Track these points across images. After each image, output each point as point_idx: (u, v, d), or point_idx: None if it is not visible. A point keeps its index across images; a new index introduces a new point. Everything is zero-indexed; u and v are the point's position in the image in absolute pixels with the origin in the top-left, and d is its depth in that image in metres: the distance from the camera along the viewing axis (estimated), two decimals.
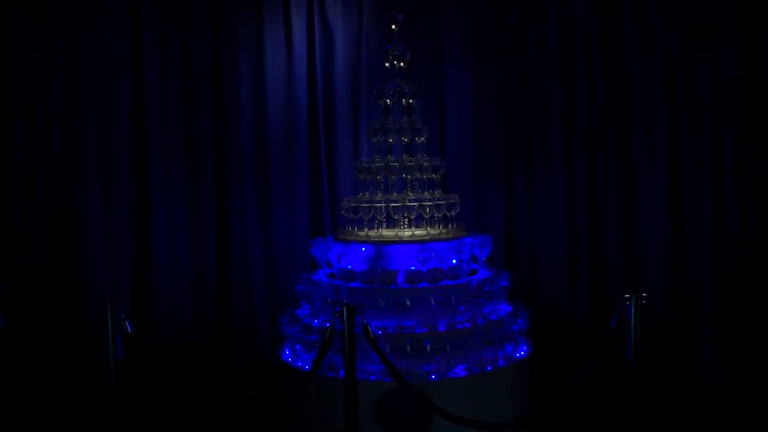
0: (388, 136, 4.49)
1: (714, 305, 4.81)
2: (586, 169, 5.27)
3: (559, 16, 5.29)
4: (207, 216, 5.28)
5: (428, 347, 3.87)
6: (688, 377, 4.85)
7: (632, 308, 3.43)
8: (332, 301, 4.03)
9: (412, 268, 4.20)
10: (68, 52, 4.92)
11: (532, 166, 5.45)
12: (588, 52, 5.23)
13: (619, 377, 3.67)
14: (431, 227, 4.40)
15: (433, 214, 4.36)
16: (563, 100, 5.32)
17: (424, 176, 4.45)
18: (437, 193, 4.52)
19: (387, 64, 4.61)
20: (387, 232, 4.38)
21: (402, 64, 4.60)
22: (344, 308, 3.43)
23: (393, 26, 4.67)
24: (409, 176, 4.45)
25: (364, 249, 4.27)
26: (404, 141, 4.54)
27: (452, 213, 4.47)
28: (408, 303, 3.97)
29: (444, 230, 4.41)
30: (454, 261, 4.31)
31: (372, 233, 4.35)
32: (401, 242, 4.24)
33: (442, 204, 4.37)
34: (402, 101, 4.59)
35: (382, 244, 4.24)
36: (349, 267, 4.34)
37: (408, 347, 3.86)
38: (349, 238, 4.39)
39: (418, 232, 4.40)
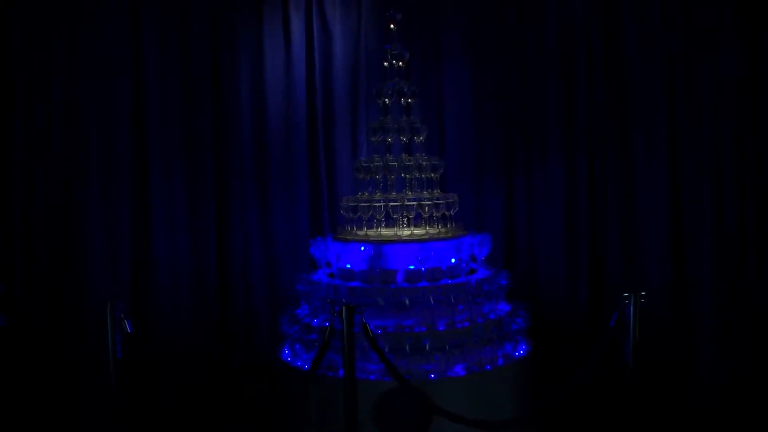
0: (386, 135, 4.50)
1: (713, 304, 4.80)
2: (585, 167, 5.26)
3: (558, 14, 5.28)
4: (207, 216, 5.29)
5: (427, 346, 3.87)
6: (687, 376, 4.84)
7: (631, 307, 3.42)
8: (331, 300, 4.03)
9: (411, 267, 4.21)
10: (68, 52, 4.93)
11: (532, 164, 5.44)
12: (588, 51, 5.21)
13: (618, 376, 3.67)
14: (430, 226, 4.40)
15: (432, 213, 4.36)
16: (562, 98, 5.31)
17: (423, 175, 4.46)
18: (436, 192, 4.52)
19: (385, 64, 4.62)
20: (386, 232, 4.38)
21: (400, 63, 4.61)
22: (343, 308, 3.43)
23: (391, 25, 4.68)
24: (408, 175, 4.45)
25: (363, 248, 4.27)
26: (403, 140, 4.55)
27: (451, 212, 4.47)
28: (407, 302, 3.98)
29: (443, 229, 4.41)
30: (453, 260, 4.32)
31: (371, 233, 4.35)
32: (400, 241, 4.24)
33: (441, 203, 4.38)
34: (401, 100, 4.60)
35: (381, 244, 4.25)
36: (349, 266, 4.35)
37: (407, 346, 3.87)
38: (348, 237, 4.40)
39: (417, 231, 4.40)
